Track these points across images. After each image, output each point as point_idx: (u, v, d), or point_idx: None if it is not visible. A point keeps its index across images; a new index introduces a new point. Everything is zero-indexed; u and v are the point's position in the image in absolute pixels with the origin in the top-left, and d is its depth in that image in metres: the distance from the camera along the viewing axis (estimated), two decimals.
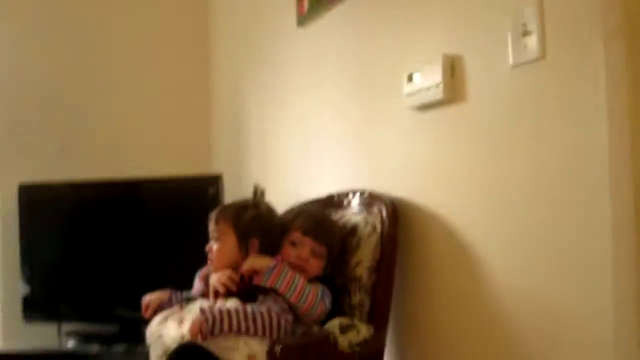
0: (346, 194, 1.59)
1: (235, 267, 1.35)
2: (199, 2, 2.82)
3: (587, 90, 0.99)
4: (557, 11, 1.04)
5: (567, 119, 1.04)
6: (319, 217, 1.47)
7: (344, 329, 1.17)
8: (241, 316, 1.19)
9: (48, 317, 2.38)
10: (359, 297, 1.37)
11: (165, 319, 1.36)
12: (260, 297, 1.29)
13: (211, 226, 1.42)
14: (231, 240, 1.38)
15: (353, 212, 1.52)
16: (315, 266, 1.38)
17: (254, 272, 1.31)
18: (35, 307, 2.37)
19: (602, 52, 0.96)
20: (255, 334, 1.18)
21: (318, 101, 1.88)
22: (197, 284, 1.49)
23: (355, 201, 1.55)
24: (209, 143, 2.72)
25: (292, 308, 1.27)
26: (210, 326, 1.17)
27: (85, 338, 2.27)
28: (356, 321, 1.22)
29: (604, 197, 0.96)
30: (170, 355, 1.22)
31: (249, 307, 1.22)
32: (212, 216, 1.44)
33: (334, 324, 1.18)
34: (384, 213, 1.41)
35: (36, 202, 2.37)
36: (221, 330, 1.18)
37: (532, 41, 1.08)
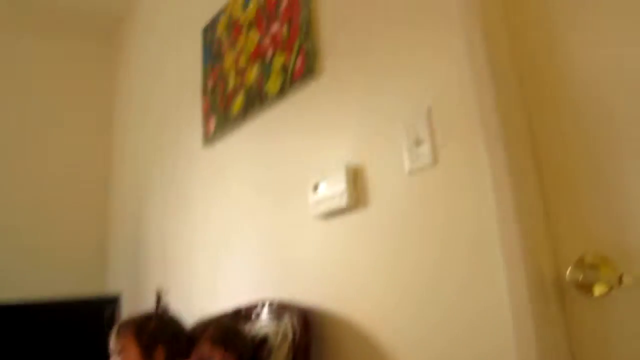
0: (254, 306, 1.57)
1: None
2: (104, 113, 2.83)
3: (476, 189, 1.10)
4: (445, 121, 1.18)
5: (459, 216, 1.13)
6: (228, 326, 1.43)
7: None
8: None
9: None
10: None
11: None
12: None
13: (112, 342, 1.36)
14: (134, 353, 1.33)
15: (263, 324, 1.50)
16: None
17: None
18: None
19: (485, 155, 1.09)
20: None
21: (224, 214, 1.90)
22: None
23: (264, 313, 1.53)
24: (105, 259, 2.60)
25: None
26: None
27: None
28: None
29: (497, 284, 1.04)
30: None
31: None
32: (113, 331, 1.38)
33: None
34: (295, 321, 1.40)
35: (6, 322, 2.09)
36: None
37: (425, 149, 1.21)
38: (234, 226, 1.84)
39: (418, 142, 1.22)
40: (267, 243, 1.68)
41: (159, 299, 1.47)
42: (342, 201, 1.38)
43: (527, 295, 1.02)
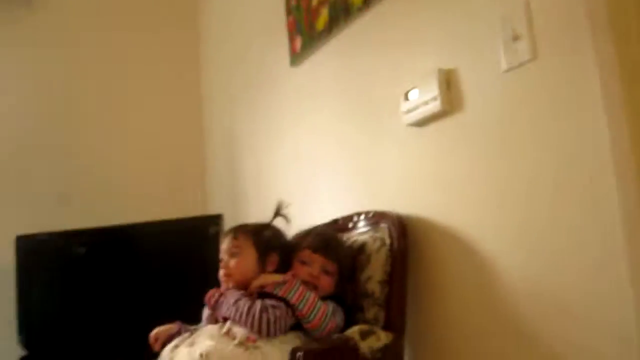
0: (350, 217, 1.61)
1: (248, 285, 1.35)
2: (190, 45, 2.92)
3: (581, 85, 1.04)
4: (545, 11, 1.11)
5: (563, 115, 1.08)
6: (327, 235, 1.48)
7: (364, 335, 1.16)
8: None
9: None
10: (372, 312, 1.37)
11: (176, 346, 1.33)
12: None
13: (227, 242, 1.42)
14: (251, 255, 1.39)
15: (360, 232, 1.54)
16: (326, 283, 1.38)
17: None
18: None
19: (591, 47, 1.02)
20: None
21: (314, 131, 1.93)
22: (205, 311, 1.46)
23: (361, 222, 1.57)
24: (204, 185, 2.74)
25: (301, 322, 1.27)
26: None
27: None
28: (375, 328, 1.21)
29: (605, 184, 1.00)
30: None
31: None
32: (229, 232, 1.45)
33: (353, 330, 1.17)
34: (392, 227, 1.43)
35: (33, 253, 2.34)
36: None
37: (523, 44, 1.15)
38: (325, 142, 1.87)
39: (515, 37, 1.17)
40: (360, 157, 1.70)
41: (278, 210, 1.49)
42: (435, 106, 1.36)
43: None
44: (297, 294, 1.27)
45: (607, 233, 0.99)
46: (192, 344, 1.28)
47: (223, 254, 1.42)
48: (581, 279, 1.04)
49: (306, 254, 1.40)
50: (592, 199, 1.02)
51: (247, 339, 1.22)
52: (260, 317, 1.22)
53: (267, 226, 1.46)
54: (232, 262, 1.39)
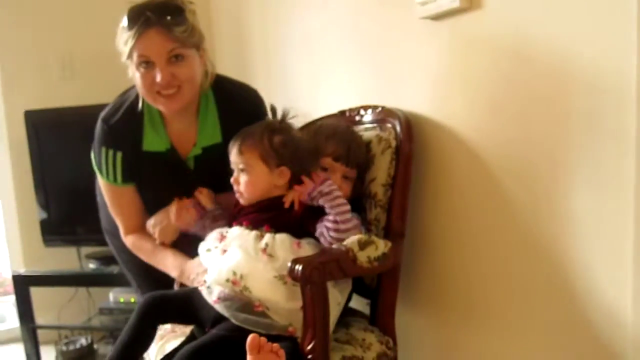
0: (358, 110, 1.56)
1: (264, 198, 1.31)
2: None
3: None
4: None
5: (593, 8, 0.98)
6: (350, 141, 1.39)
7: (362, 245, 1.18)
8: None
9: (67, 241, 2.45)
10: (374, 213, 1.37)
11: (208, 249, 1.32)
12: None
13: (234, 156, 1.32)
14: (260, 171, 1.30)
15: (366, 128, 1.50)
16: (347, 190, 1.36)
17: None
18: (53, 232, 2.43)
19: None
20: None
21: (326, 17, 1.80)
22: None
23: (367, 117, 1.52)
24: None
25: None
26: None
27: (104, 260, 2.34)
28: (374, 237, 1.23)
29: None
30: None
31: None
32: (234, 144, 1.32)
33: (352, 240, 1.18)
34: (398, 128, 1.38)
35: (44, 127, 2.36)
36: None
37: None
38: (336, 32, 1.75)
39: None
40: (371, 48, 1.59)
41: (284, 117, 1.36)
42: (454, 1, 1.24)
43: None
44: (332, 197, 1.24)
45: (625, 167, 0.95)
46: (224, 250, 1.27)
47: (232, 165, 1.34)
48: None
49: (328, 162, 1.36)
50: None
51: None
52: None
53: (275, 130, 1.32)
54: (242, 180, 1.31)
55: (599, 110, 0.99)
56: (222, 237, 1.31)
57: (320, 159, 1.36)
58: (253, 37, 2.32)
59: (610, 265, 1.00)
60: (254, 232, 1.26)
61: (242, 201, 1.34)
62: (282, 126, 1.34)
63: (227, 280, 1.20)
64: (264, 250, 1.22)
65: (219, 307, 1.21)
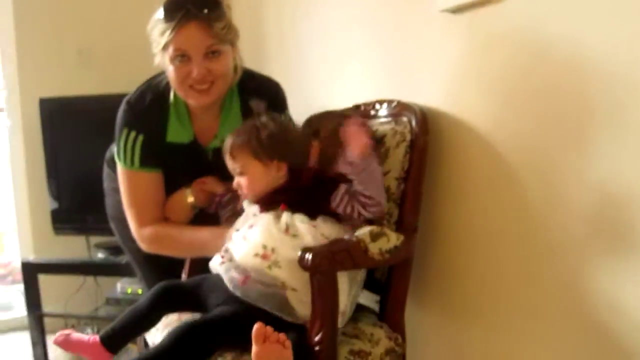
0: (373, 104, 1.54)
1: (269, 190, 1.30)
2: None
3: None
4: None
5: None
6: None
7: (374, 237, 1.16)
8: None
9: (77, 229, 2.45)
10: (387, 207, 1.36)
11: (237, 230, 1.31)
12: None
13: (229, 163, 1.32)
14: (257, 170, 1.28)
15: (380, 122, 1.48)
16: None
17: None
18: (64, 220, 2.43)
19: None
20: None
21: (343, 10, 1.79)
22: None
23: (383, 111, 1.50)
24: None
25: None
26: None
27: (112, 250, 2.34)
28: (386, 229, 1.21)
29: None
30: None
31: None
32: (226, 152, 1.32)
33: (364, 232, 1.17)
34: (414, 122, 1.37)
35: (58, 115, 2.37)
36: None
37: None
38: (353, 25, 1.73)
39: None
40: (388, 41, 1.58)
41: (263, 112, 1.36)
42: None
43: None
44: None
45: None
46: (245, 237, 1.25)
47: (231, 172, 1.33)
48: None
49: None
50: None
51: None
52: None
53: (260, 126, 1.30)
54: (243, 182, 1.30)
55: (617, 105, 0.98)
56: (248, 218, 1.31)
57: (311, 141, 1.35)
58: (270, 31, 2.31)
59: (631, 265, 0.98)
60: (271, 213, 1.25)
61: (250, 201, 1.34)
62: (265, 121, 1.33)
63: (257, 255, 1.19)
64: (287, 230, 1.21)
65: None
